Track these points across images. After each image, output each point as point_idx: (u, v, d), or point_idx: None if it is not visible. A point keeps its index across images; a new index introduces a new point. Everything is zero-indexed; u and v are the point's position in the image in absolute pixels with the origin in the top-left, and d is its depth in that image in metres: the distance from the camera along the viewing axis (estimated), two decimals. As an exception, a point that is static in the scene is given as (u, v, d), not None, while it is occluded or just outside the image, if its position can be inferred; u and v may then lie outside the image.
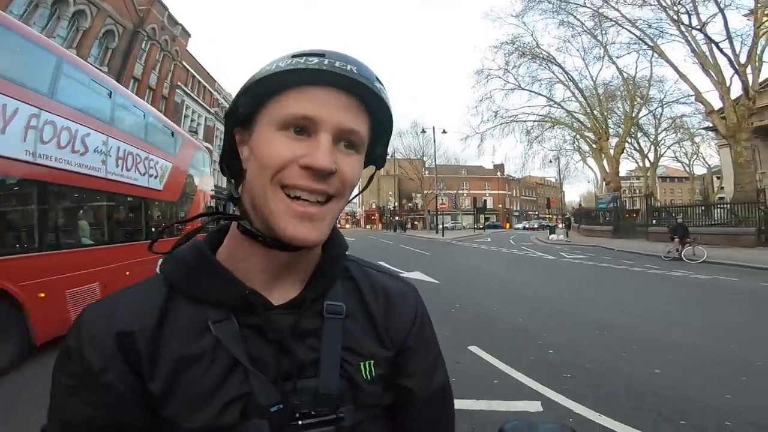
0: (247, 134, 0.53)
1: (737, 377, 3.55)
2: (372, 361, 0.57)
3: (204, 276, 0.53)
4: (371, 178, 0.62)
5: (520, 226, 54.77)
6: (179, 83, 25.85)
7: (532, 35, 30.67)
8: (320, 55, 0.48)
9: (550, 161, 39.14)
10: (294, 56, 0.49)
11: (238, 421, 0.49)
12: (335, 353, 0.54)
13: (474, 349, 4.38)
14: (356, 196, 0.57)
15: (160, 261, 0.56)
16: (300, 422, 0.51)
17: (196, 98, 28.57)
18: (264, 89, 0.50)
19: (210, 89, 31.25)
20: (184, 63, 26.50)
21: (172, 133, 8.15)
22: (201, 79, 29.73)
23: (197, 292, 0.53)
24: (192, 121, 27.96)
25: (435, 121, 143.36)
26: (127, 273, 5.81)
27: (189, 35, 27.12)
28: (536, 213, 71.29)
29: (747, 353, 4.15)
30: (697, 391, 3.28)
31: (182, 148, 8.30)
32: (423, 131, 44.86)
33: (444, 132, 44.22)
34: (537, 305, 6.84)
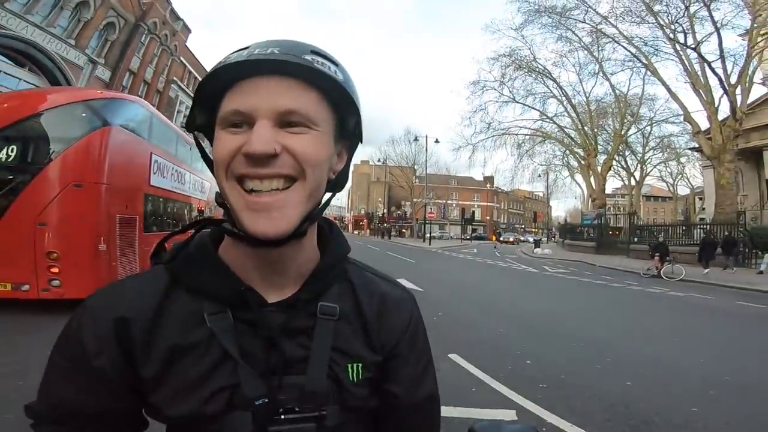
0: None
1: (705, 391, 3.66)
2: (360, 364, 0.58)
3: (204, 269, 0.55)
4: (350, 156, 0.60)
5: (502, 239, 55.13)
6: (175, 78, 25.50)
7: (529, 49, 29.03)
8: (244, 48, 0.50)
9: (539, 176, 39.73)
10: (238, 50, 0.50)
11: (223, 411, 0.51)
12: (324, 353, 0.55)
13: (454, 356, 4.44)
14: (340, 175, 0.58)
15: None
16: (283, 416, 0.52)
17: (191, 94, 28.19)
18: (207, 96, 0.51)
19: (205, 86, 31.54)
20: (181, 58, 26.25)
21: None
22: (198, 76, 29.16)
23: (197, 285, 0.54)
24: (185, 116, 27.70)
25: (428, 130, 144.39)
26: None
27: (189, 31, 26.88)
28: (523, 226, 72.06)
29: (716, 368, 4.28)
30: (666, 403, 3.37)
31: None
32: (416, 139, 45.18)
33: (436, 141, 44.54)
34: (517, 316, 6.93)
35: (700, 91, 19.17)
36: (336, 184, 0.59)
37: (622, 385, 3.77)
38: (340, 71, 0.52)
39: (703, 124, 20.06)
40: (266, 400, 0.52)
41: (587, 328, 6.16)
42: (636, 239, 22.93)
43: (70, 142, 5.71)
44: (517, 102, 30.41)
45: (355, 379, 0.57)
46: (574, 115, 29.44)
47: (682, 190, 48.77)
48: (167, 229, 8.30)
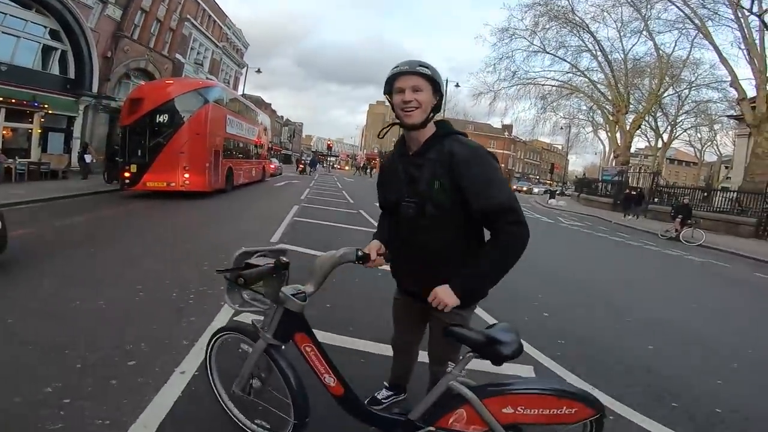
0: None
1: (729, 364, 3.49)
2: (440, 181, 1.54)
3: (400, 144, 1.76)
4: (441, 101, 1.66)
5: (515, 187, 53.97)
6: (188, 16, 25.48)
7: (568, 0, 27.07)
8: (402, 63, 1.59)
9: (561, 128, 38.00)
10: (394, 67, 1.59)
11: (396, 201, 1.69)
12: (427, 175, 1.57)
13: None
14: (437, 105, 1.62)
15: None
16: (408, 200, 1.64)
17: (204, 32, 28.57)
18: (387, 82, 1.61)
19: (220, 24, 31.35)
20: (195, -4, 26.14)
21: (258, 114, 20.06)
22: (211, 13, 29.67)
23: (398, 150, 1.77)
24: (198, 53, 28.36)
25: (450, 75, 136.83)
26: (254, 167, 18.82)
27: (203, -33, 26.16)
28: (537, 177, 70.66)
29: (737, 340, 4.10)
30: (689, 372, 3.22)
31: (263, 119, 20.66)
32: (436, 82, 42.84)
33: (457, 85, 42.34)
34: (532, 268, 6.75)
35: (754, 60, 18.48)
36: (435, 109, 1.61)
37: (644, 349, 3.61)
38: (434, 72, 1.57)
39: (750, 93, 19.59)
40: (407, 196, 1.64)
41: (603, 284, 5.99)
42: (656, 200, 22.28)
43: (192, 112, 11.83)
44: (548, 53, 28.91)
45: (438, 188, 1.55)
46: (608, 70, 28.01)
47: (709, 157, 46.77)
48: (236, 156, 15.39)
